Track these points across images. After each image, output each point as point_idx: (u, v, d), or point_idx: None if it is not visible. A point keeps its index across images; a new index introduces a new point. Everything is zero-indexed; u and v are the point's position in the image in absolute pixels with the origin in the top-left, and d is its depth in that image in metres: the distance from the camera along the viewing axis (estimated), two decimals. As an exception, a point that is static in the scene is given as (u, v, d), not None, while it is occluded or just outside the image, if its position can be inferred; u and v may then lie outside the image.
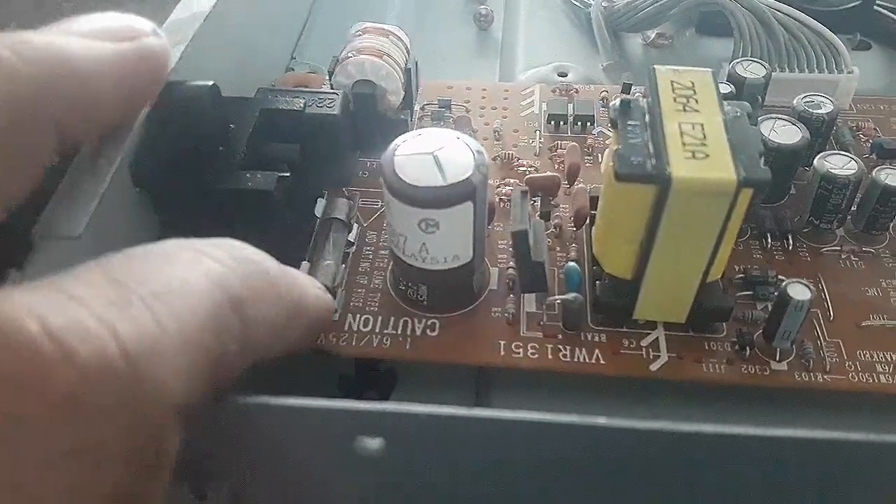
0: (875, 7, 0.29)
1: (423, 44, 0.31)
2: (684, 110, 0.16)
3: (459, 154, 0.16)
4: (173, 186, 0.17)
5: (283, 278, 0.14)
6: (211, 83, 0.17)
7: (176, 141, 0.17)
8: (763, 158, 0.15)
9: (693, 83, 0.17)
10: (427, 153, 0.16)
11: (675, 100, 0.16)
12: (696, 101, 0.16)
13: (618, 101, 0.17)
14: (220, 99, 0.18)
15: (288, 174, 0.18)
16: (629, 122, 0.16)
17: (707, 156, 0.15)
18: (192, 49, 0.18)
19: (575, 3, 0.31)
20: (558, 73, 0.28)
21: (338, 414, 0.12)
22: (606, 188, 0.17)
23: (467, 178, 0.16)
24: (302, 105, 0.19)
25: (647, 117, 0.16)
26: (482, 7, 0.32)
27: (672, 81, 0.17)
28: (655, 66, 0.17)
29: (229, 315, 0.12)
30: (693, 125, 0.16)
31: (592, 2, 0.29)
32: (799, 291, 0.16)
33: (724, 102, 0.16)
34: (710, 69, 0.17)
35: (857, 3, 0.29)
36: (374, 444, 0.13)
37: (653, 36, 0.29)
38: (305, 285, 0.15)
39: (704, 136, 0.15)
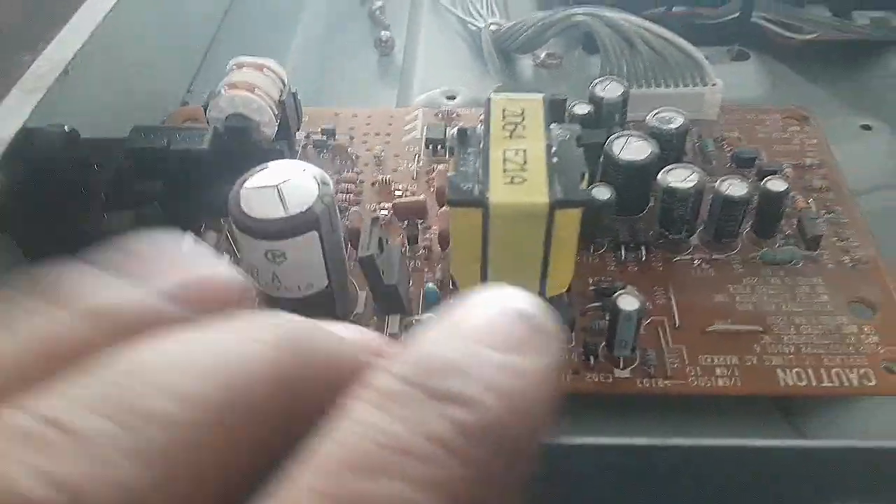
0: (753, 18, 0.30)
1: (327, 70, 0.32)
2: (511, 137, 0.17)
3: (304, 185, 0.17)
4: (37, 230, 0.18)
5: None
6: (67, 128, 0.18)
7: (35, 185, 0.18)
8: (584, 180, 0.16)
9: (523, 110, 0.17)
10: (271, 186, 0.17)
11: (503, 127, 0.17)
12: (524, 128, 0.17)
13: (455, 130, 0.18)
14: (78, 142, 0.18)
15: (149, 211, 0.18)
16: (468, 150, 0.17)
17: (524, 180, 0.16)
18: (53, 96, 0.19)
19: (472, 26, 0.32)
20: (447, 96, 0.29)
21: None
22: (448, 210, 0.18)
23: (309, 209, 0.17)
24: (166, 142, 0.20)
25: (481, 144, 0.17)
26: (384, 32, 0.32)
27: (504, 109, 0.17)
28: (492, 95, 0.18)
29: None
30: (517, 151, 0.16)
31: (481, 25, 0.30)
32: (627, 302, 0.17)
33: (555, 126, 0.17)
34: (541, 95, 0.18)
35: (736, 14, 0.30)
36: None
37: (542, 56, 0.30)
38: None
39: (525, 162, 0.16)
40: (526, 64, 0.31)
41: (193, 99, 0.28)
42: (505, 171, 0.16)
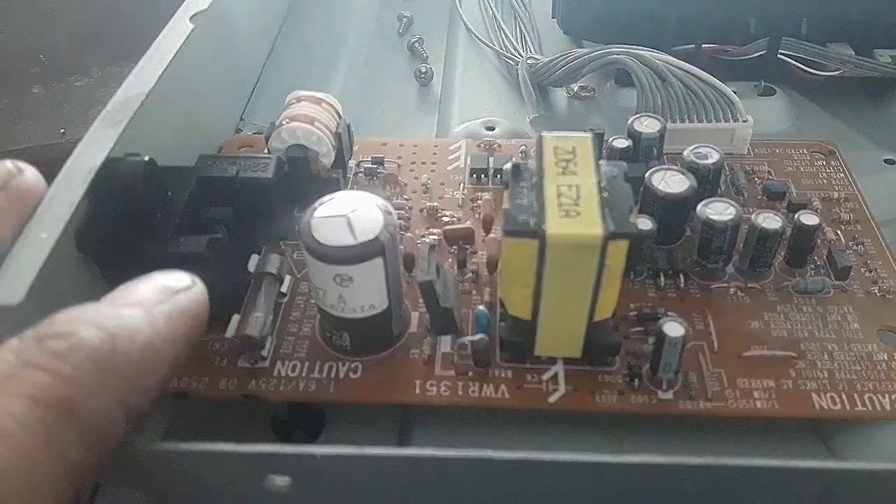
0: (778, 55, 0.31)
1: (369, 100, 0.33)
2: (563, 173, 0.18)
3: (370, 215, 0.18)
4: (115, 252, 0.19)
5: (119, 351, 0.14)
6: (147, 158, 0.19)
7: (116, 211, 0.19)
8: (634, 213, 0.17)
9: (574, 148, 0.19)
10: (340, 215, 0.18)
11: (556, 163, 0.18)
12: (575, 164, 0.18)
13: (510, 165, 0.19)
14: (156, 170, 0.19)
15: (220, 235, 0.20)
16: (521, 184, 0.19)
17: (579, 214, 0.17)
18: (134, 128, 0.20)
19: (508, 61, 0.33)
20: (486, 127, 0.30)
21: (245, 457, 0.14)
22: (503, 241, 0.19)
23: (376, 237, 0.18)
24: (235, 172, 0.21)
25: (534, 179, 0.18)
26: (423, 65, 0.34)
27: (555, 147, 0.19)
28: (543, 134, 0.19)
29: (56, 427, 0.12)
30: (570, 186, 0.18)
31: (519, 58, 0.32)
32: (672, 329, 0.18)
33: (605, 163, 0.19)
34: (590, 134, 0.19)
35: (763, 52, 0.31)
36: (282, 481, 0.15)
37: (576, 89, 0.31)
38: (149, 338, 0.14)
39: (578, 196, 0.17)
40: (560, 95, 0.32)
41: (246, 127, 0.30)
42: (560, 204, 0.17)
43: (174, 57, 0.22)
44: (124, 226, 0.19)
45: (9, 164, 0.17)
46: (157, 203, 0.20)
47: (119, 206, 0.19)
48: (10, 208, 0.17)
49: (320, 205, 0.19)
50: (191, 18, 0.24)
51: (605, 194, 0.18)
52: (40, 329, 0.13)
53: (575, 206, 0.17)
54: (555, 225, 0.17)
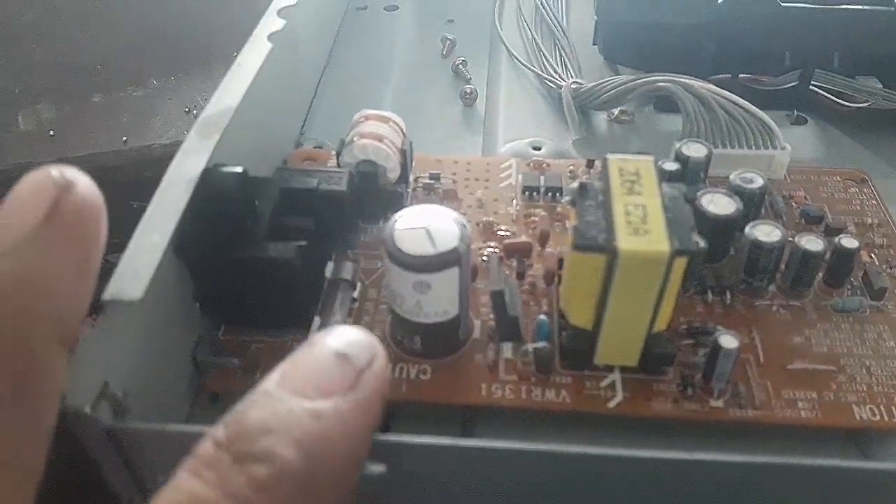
0: (810, 86, 0.33)
1: (417, 119, 0.35)
2: (630, 193, 0.20)
3: (447, 227, 0.20)
4: (208, 256, 0.21)
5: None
6: (240, 169, 0.21)
7: (211, 218, 0.20)
8: (695, 232, 0.19)
9: (638, 169, 0.20)
10: (421, 227, 0.20)
11: (622, 184, 0.20)
12: (640, 185, 0.20)
13: (576, 184, 0.20)
14: (247, 181, 0.21)
15: (305, 243, 0.21)
16: (587, 202, 0.20)
17: (647, 231, 0.18)
18: (224, 140, 0.22)
19: (549, 83, 0.35)
20: (533, 146, 0.32)
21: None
22: (569, 255, 0.21)
23: (454, 248, 0.19)
24: (315, 184, 0.23)
25: (600, 198, 0.20)
26: (467, 86, 0.36)
27: (620, 168, 0.20)
28: (608, 156, 0.21)
29: None
30: (636, 206, 0.19)
31: (563, 83, 0.33)
32: (727, 341, 0.20)
33: (665, 184, 0.20)
34: (651, 157, 0.21)
35: (795, 83, 0.33)
36: (377, 468, 0.16)
37: (616, 113, 0.33)
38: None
39: (645, 215, 0.19)
40: (600, 119, 0.34)
41: (306, 141, 0.31)
42: (628, 222, 0.19)
43: (257, 74, 0.24)
44: (218, 232, 0.21)
45: (53, 172, 0.14)
46: (247, 211, 0.21)
47: (214, 214, 0.21)
48: (70, 239, 0.14)
49: (399, 217, 0.20)
50: (268, 37, 0.26)
51: (670, 214, 0.19)
52: (235, 439, 0.12)
53: (643, 224, 0.19)
54: (625, 241, 0.18)
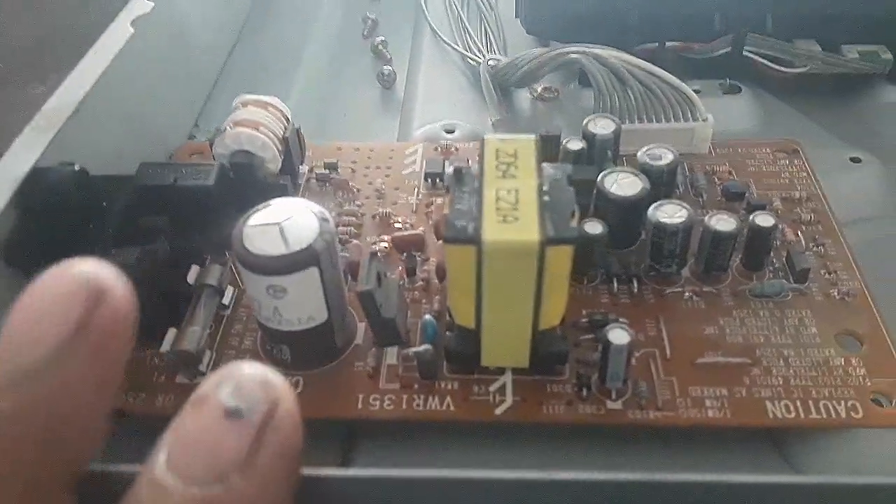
0: (744, 53, 0.31)
1: (331, 103, 0.33)
2: (503, 177, 0.17)
3: (305, 223, 0.18)
4: (45, 265, 0.18)
5: None
6: (77, 167, 0.18)
7: (45, 221, 0.18)
8: (574, 217, 0.17)
9: (516, 150, 0.18)
10: (273, 223, 0.18)
11: (496, 167, 0.18)
12: (516, 168, 0.18)
13: (451, 169, 0.18)
14: (87, 180, 0.19)
15: (156, 246, 0.19)
16: (463, 189, 0.18)
17: (517, 219, 0.16)
18: (65, 135, 0.19)
19: (470, 61, 0.33)
20: (446, 129, 0.29)
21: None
22: (443, 248, 0.19)
23: (309, 246, 0.17)
24: (173, 179, 0.20)
25: (475, 183, 0.18)
26: (385, 67, 0.33)
27: (497, 150, 0.18)
28: (486, 137, 0.19)
29: None
30: (509, 191, 0.17)
31: (481, 60, 0.31)
32: (617, 336, 0.18)
33: (547, 165, 0.18)
34: (533, 136, 0.19)
35: (727, 49, 0.31)
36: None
37: (539, 90, 0.31)
38: None
39: (517, 201, 0.17)
40: (523, 97, 0.31)
41: (200, 133, 0.29)
42: (498, 209, 0.17)
43: (112, 62, 0.22)
44: (55, 236, 0.18)
45: (87, 274, 0.11)
46: (89, 213, 0.19)
47: (48, 217, 0.18)
48: (95, 359, 0.11)
49: (255, 212, 0.18)
50: (132, 23, 0.23)
51: (546, 198, 0.17)
52: None
53: (513, 211, 0.17)
54: (491, 231, 0.16)
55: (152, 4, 0.24)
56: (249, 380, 0.11)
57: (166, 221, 0.20)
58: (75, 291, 0.11)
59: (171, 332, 0.19)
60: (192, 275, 0.20)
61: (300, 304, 0.18)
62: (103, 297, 0.11)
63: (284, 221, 0.18)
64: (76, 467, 0.11)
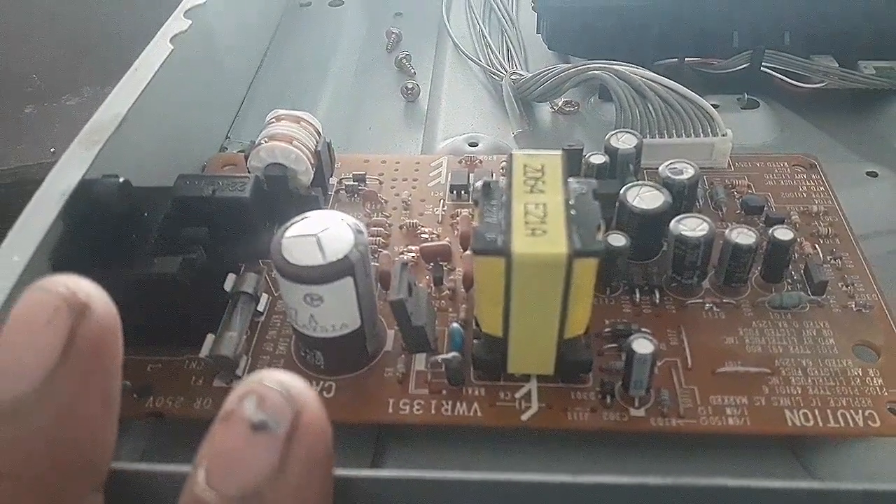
0: (762, 68, 0.31)
1: (357, 117, 0.34)
2: (531, 191, 0.18)
3: (341, 234, 0.18)
4: (90, 273, 0.19)
5: None
6: (121, 179, 0.19)
7: (91, 232, 0.19)
8: (601, 231, 0.17)
9: (543, 165, 0.19)
10: (310, 235, 0.18)
11: (524, 182, 0.18)
12: (544, 183, 0.18)
13: (480, 183, 0.19)
14: (130, 191, 0.20)
15: (195, 255, 0.20)
16: (491, 202, 0.19)
17: (545, 232, 0.17)
18: (109, 149, 0.20)
19: (492, 75, 0.33)
20: (469, 143, 0.30)
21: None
22: (473, 258, 0.19)
23: (345, 257, 0.18)
24: (211, 191, 0.21)
25: (503, 197, 0.18)
26: (409, 81, 0.34)
27: (525, 165, 0.19)
28: (513, 152, 0.19)
29: None
30: (537, 205, 0.18)
31: (503, 74, 0.32)
32: (641, 346, 0.18)
33: (573, 180, 0.19)
34: (559, 152, 0.19)
35: (746, 65, 0.31)
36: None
37: (560, 103, 0.31)
38: None
39: (545, 215, 0.17)
40: (544, 111, 0.32)
41: (232, 145, 0.30)
42: (526, 223, 0.17)
43: (153, 78, 0.23)
44: (99, 247, 0.19)
45: (63, 293, 0.11)
46: (132, 224, 0.20)
47: (94, 228, 0.19)
48: (90, 372, 0.12)
49: (292, 224, 0.19)
50: (171, 40, 0.24)
51: (573, 212, 0.18)
52: None
53: (541, 225, 0.17)
54: (520, 244, 0.17)
55: (190, 22, 0.25)
56: (272, 391, 0.11)
57: (205, 232, 0.21)
58: (57, 311, 0.11)
59: (210, 338, 0.20)
60: (229, 282, 0.21)
61: (335, 311, 0.19)
62: (86, 313, 0.11)
63: (321, 233, 0.18)
64: (97, 471, 0.12)
